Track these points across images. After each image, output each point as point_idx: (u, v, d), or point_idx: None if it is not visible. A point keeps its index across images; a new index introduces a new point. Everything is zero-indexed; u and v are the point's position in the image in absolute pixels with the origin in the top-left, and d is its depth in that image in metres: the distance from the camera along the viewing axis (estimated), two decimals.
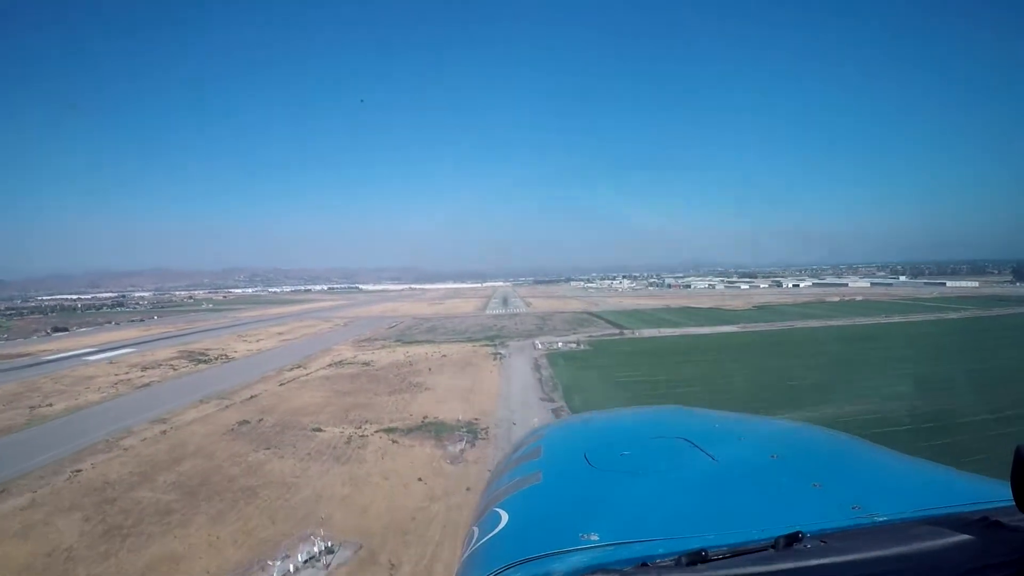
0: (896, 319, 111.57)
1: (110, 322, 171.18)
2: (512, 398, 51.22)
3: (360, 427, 44.81)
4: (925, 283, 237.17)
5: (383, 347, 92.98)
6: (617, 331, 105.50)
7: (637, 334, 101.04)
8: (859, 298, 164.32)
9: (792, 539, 1.70)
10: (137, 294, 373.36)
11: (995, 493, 2.07)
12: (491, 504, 2.91)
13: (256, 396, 59.34)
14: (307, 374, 71.20)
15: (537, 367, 70.07)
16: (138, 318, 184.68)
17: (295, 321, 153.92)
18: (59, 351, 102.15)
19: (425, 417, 46.59)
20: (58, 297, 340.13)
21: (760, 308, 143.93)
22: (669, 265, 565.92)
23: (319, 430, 44.49)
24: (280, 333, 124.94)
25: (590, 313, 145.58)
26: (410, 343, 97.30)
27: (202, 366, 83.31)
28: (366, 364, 75.90)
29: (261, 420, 48.94)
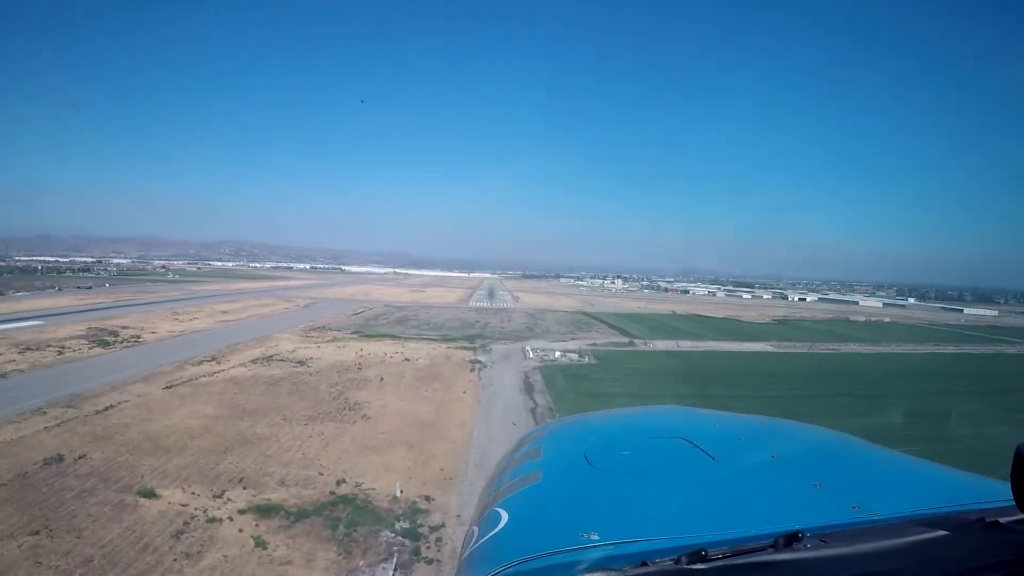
0: (950, 349, 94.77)
1: (55, 287, 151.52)
2: (492, 446, 31.93)
3: (222, 494, 25.81)
4: (941, 308, 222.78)
5: (334, 340, 73.78)
6: (626, 339, 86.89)
7: (651, 346, 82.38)
8: (887, 319, 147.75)
9: (792, 539, 1.68)
10: (115, 261, 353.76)
11: (995, 493, 2.06)
12: (491, 504, 2.83)
13: (116, 406, 40.26)
14: (215, 372, 52.20)
15: (529, 388, 51.41)
16: (87, 285, 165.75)
17: (251, 299, 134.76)
18: None
19: (340, 483, 27.61)
20: (34, 258, 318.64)
21: (782, 323, 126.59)
22: (658, 269, 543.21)
23: (150, 495, 25.44)
24: (224, 312, 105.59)
25: (587, 314, 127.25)
26: (370, 337, 78.24)
27: (97, 350, 64.22)
28: (300, 363, 56.92)
29: (81, 457, 30.03)
